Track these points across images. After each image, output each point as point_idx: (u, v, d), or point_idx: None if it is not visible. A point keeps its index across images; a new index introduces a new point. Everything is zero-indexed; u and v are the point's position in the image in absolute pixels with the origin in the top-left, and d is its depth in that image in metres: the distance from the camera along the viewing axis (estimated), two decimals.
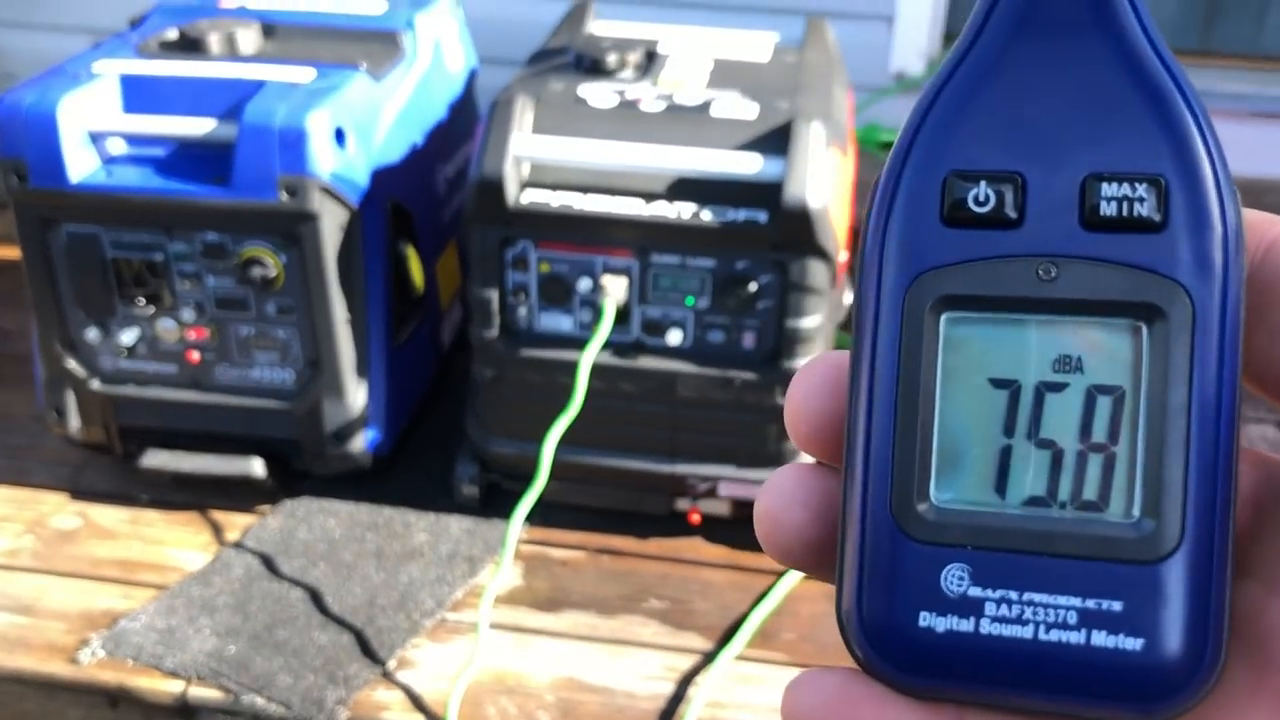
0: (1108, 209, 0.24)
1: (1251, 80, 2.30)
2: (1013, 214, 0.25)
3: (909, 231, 0.26)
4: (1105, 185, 0.25)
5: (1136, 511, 0.25)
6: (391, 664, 1.22)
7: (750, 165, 1.19)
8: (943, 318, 0.26)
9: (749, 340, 1.26)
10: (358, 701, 1.18)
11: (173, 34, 1.39)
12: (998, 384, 0.26)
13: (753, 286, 1.22)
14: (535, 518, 1.39)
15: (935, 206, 0.26)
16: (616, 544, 1.40)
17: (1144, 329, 0.25)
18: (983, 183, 0.25)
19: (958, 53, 0.26)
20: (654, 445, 1.34)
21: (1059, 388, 0.25)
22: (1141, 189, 0.24)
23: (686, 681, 1.22)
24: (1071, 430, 0.25)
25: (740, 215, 1.20)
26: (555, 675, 1.22)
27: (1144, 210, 0.24)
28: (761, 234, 1.19)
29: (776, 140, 1.21)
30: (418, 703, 1.18)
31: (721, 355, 1.28)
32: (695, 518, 1.39)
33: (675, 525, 1.41)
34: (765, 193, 1.19)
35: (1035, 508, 0.25)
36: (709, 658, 1.25)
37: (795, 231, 1.18)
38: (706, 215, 1.20)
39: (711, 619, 1.30)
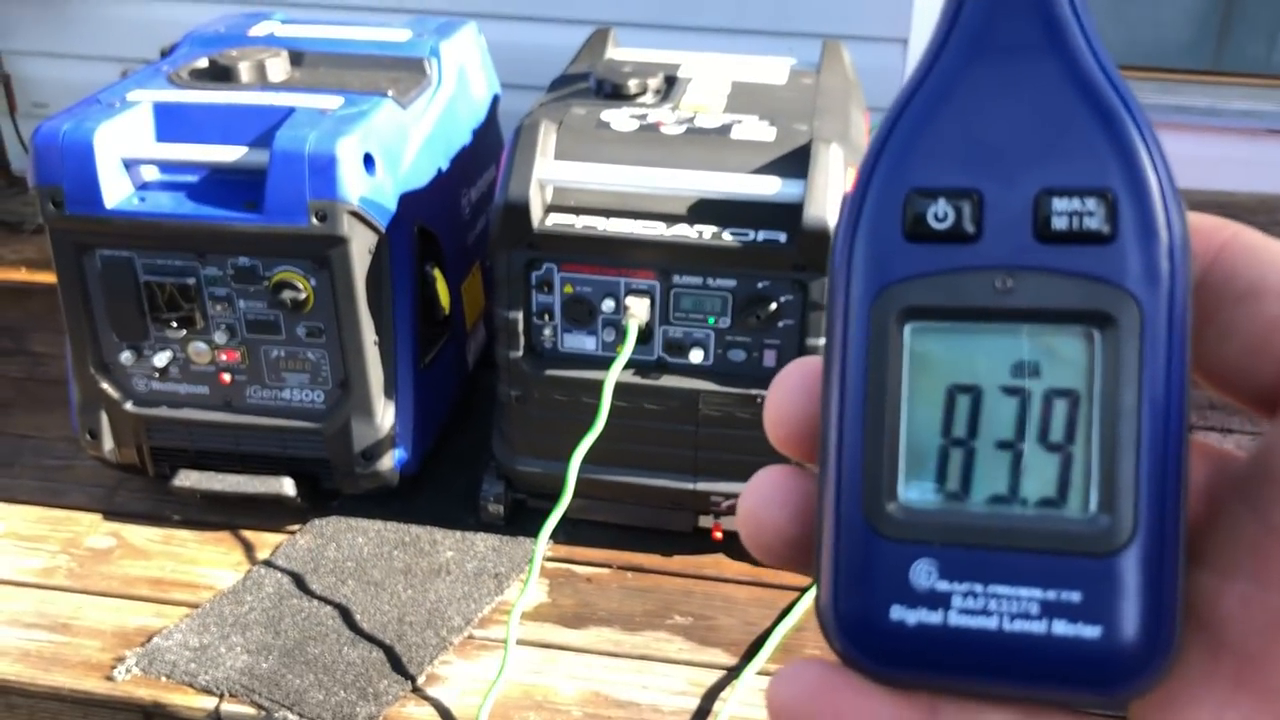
0: (1059, 222, 0.26)
1: (1264, 98, 2.31)
2: (971, 229, 0.26)
3: (874, 246, 0.27)
4: (1057, 200, 0.26)
5: (1093, 507, 0.26)
6: (421, 680, 1.24)
7: (770, 187, 1.21)
8: (907, 328, 0.27)
9: (770, 359, 1.28)
10: (388, 717, 1.20)
11: (203, 63, 1.42)
12: (960, 389, 0.27)
13: (773, 306, 1.24)
14: (560, 535, 1.41)
15: (898, 222, 0.27)
16: (641, 561, 1.42)
17: (1096, 335, 0.26)
18: (942, 200, 0.26)
19: (919, 74, 0.27)
20: (677, 463, 1.36)
21: (1018, 392, 0.26)
22: (1091, 203, 0.26)
23: (711, 696, 1.24)
24: (1030, 431, 0.26)
25: (760, 236, 1.22)
26: (582, 690, 1.24)
27: (1094, 223, 0.25)
28: (781, 254, 1.22)
29: (795, 162, 1.23)
30: (447, 717, 1.20)
31: (743, 374, 1.30)
32: (718, 534, 1.41)
33: (699, 542, 1.43)
34: (785, 213, 1.21)
35: (997, 505, 0.26)
36: (733, 673, 1.26)
37: (815, 251, 1.20)
38: (727, 236, 1.22)
39: (735, 634, 1.32)
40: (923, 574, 0.26)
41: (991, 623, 0.26)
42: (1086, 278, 0.26)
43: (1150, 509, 0.25)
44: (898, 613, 0.26)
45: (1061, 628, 0.25)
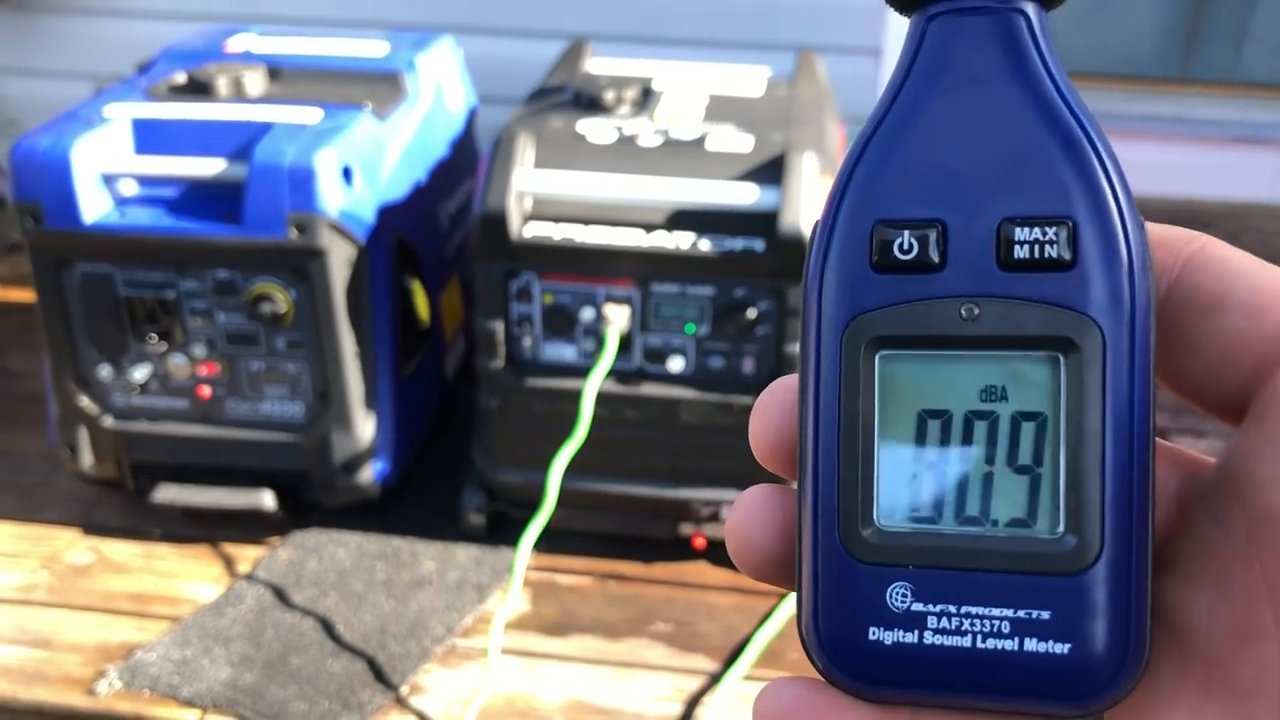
0: (1022, 251, 0.27)
1: (1230, 106, 2.34)
2: (935, 258, 0.27)
3: (843, 278, 0.28)
4: (1019, 229, 0.27)
5: (1061, 527, 0.27)
6: (404, 690, 1.24)
7: (746, 196, 1.23)
8: (877, 356, 0.28)
9: (749, 366, 1.29)
10: None
11: (181, 78, 1.42)
12: (931, 414, 0.28)
13: (751, 313, 1.26)
14: (542, 545, 1.42)
15: (865, 254, 0.28)
16: (622, 569, 1.43)
17: (1061, 360, 0.27)
18: (907, 231, 0.27)
19: (883, 105, 0.28)
20: (658, 471, 1.37)
21: (986, 416, 0.28)
22: (1052, 231, 0.26)
23: (694, 702, 1.24)
24: (1000, 454, 0.28)
25: (738, 244, 1.23)
26: (565, 698, 1.24)
27: (1055, 251, 0.26)
28: (758, 262, 1.23)
29: (771, 171, 1.24)
30: None
31: (722, 381, 1.31)
32: (699, 542, 1.41)
33: (680, 550, 1.43)
34: (761, 222, 1.22)
35: (969, 527, 0.28)
36: (715, 679, 1.27)
37: (791, 259, 1.21)
38: (705, 245, 1.23)
39: (717, 641, 1.32)
40: (898, 596, 0.27)
41: (965, 641, 0.27)
42: (1049, 304, 0.27)
43: (1116, 528, 0.26)
44: (875, 634, 0.27)
45: (1033, 645, 0.26)
